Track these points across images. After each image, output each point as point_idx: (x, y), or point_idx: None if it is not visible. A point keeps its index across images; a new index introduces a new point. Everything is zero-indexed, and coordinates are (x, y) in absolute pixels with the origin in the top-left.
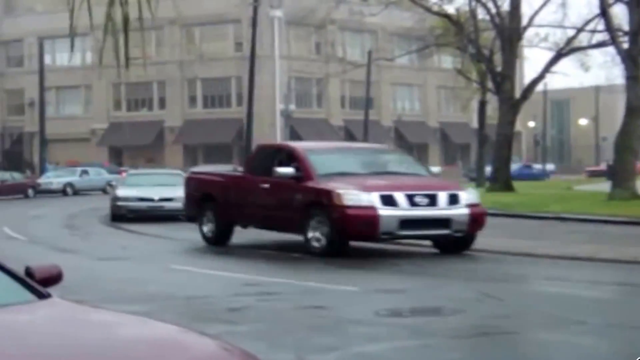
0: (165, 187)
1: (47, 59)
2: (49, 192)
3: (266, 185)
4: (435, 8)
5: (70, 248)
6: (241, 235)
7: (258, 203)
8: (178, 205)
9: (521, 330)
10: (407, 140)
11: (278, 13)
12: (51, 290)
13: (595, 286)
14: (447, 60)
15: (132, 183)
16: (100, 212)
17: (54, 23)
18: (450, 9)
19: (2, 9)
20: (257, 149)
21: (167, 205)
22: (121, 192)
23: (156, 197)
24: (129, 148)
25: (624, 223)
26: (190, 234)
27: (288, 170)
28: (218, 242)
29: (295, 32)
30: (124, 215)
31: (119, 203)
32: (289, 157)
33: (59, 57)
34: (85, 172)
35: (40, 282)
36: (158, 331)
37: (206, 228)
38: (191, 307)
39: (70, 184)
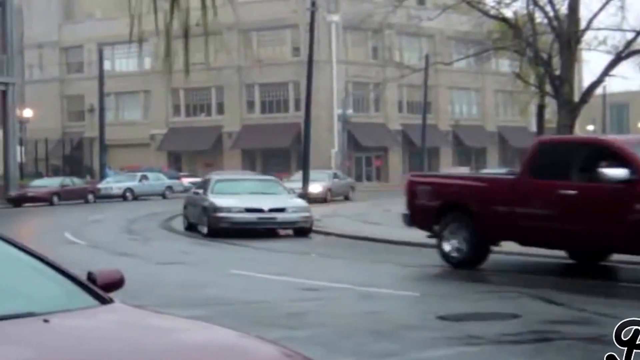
0: (266, 195)
1: (107, 65)
2: (109, 197)
3: (571, 192)
4: (493, 12)
5: (130, 252)
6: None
7: (554, 215)
8: (292, 216)
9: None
10: (465, 145)
11: (335, 18)
12: (113, 295)
13: None
14: (504, 64)
15: (223, 191)
16: (160, 216)
17: (113, 29)
18: (507, 13)
19: (62, 15)
20: (539, 145)
21: (280, 216)
22: (221, 201)
23: (266, 208)
24: (187, 153)
25: None
26: (245, 240)
27: (621, 172)
28: (469, 264)
29: (352, 37)
30: (227, 228)
31: (220, 214)
32: (601, 154)
33: (119, 63)
34: (144, 177)
35: (102, 288)
36: (219, 337)
37: (449, 247)
38: (250, 311)
39: (130, 189)
